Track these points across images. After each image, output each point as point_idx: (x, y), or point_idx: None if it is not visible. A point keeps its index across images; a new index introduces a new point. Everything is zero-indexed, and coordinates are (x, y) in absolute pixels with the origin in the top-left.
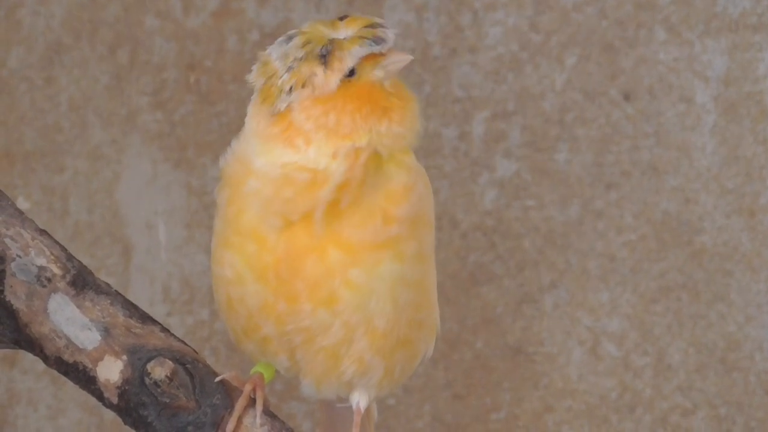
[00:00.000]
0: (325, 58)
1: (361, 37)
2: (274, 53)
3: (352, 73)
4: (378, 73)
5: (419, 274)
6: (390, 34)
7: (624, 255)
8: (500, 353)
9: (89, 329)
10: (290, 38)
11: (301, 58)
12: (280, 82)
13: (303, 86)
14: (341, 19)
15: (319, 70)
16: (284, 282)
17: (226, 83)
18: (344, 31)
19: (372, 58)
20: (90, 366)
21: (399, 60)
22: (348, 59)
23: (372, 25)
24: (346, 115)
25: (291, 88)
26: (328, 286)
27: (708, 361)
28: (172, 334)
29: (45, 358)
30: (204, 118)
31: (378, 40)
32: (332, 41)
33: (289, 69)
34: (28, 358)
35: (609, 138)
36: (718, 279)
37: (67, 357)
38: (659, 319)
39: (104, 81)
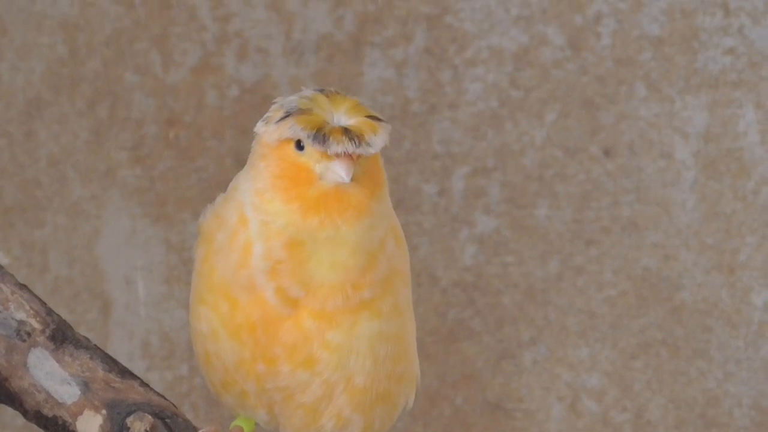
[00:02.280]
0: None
1: (350, 132)
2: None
3: (300, 145)
4: (318, 168)
5: (397, 328)
6: (378, 142)
7: (604, 311)
8: (480, 409)
9: (69, 384)
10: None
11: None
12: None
13: (266, 122)
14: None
15: (277, 115)
16: (261, 346)
17: (206, 139)
18: (341, 115)
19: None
20: (69, 420)
21: (337, 175)
22: (288, 131)
23: (371, 118)
24: (267, 174)
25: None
26: (306, 350)
27: (688, 417)
28: (152, 389)
29: (24, 413)
30: (183, 173)
31: (359, 145)
32: (322, 129)
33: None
34: (7, 413)
35: (589, 194)
36: (698, 335)
37: (46, 411)
38: (639, 375)
39: (84, 136)
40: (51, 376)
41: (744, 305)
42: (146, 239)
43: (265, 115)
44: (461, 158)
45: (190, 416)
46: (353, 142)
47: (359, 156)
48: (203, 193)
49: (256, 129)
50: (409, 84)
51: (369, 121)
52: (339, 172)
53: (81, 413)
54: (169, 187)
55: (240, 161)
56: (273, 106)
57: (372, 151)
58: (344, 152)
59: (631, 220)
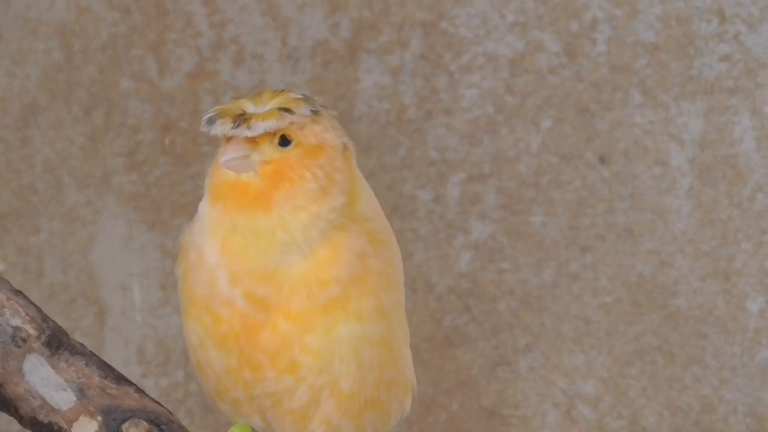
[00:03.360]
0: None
1: (233, 116)
2: None
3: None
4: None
5: (383, 332)
6: (261, 126)
7: (599, 318)
8: (475, 416)
9: (64, 390)
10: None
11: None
12: None
13: None
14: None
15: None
16: (245, 354)
17: (201, 145)
18: (262, 106)
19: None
20: (65, 426)
21: (224, 166)
22: (207, 116)
23: (285, 111)
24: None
25: None
26: (288, 355)
27: (683, 424)
28: (147, 395)
29: (20, 419)
30: (179, 179)
31: (239, 125)
32: (223, 113)
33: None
34: (3, 419)
35: (584, 201)
36: (693, 342)
37: (42, 417)
38: (634, 381)
39: (79, 142)
40: (46, 382)
41: (739, 312)
42: (142, 245)
43: None
44: (457, 164)
45: (185, 423)
46: (234, 124)
47: (256, 141)
48: (199, 200)
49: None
50: (405, 90)
51: (276, 110)
52: (225, 154)
53: (76, 419)
54: (164, 193)
55: None
56: None
57: (249, 133)
58: (221, 133)
59: (626, 227)
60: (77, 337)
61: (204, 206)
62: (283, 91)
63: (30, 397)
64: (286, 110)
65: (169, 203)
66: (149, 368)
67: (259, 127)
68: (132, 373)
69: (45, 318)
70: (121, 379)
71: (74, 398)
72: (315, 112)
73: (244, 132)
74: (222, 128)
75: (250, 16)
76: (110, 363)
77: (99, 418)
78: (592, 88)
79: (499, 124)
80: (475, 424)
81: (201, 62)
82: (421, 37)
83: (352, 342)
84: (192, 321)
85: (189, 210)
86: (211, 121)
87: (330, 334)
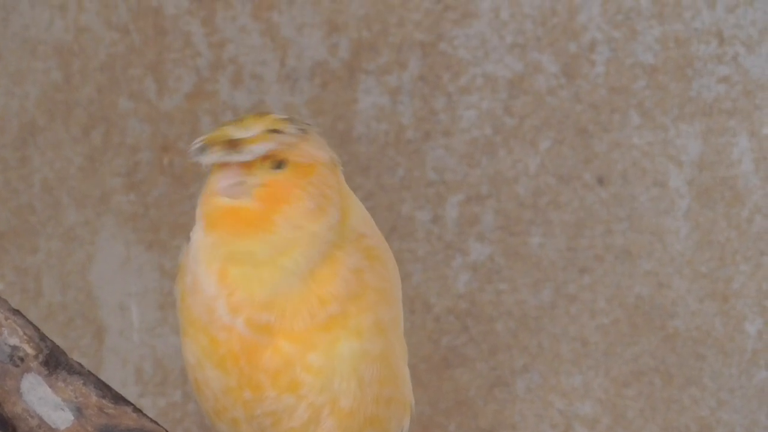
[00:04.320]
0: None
1: (222, 143)
2: None
3: None
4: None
5: (381, 348)
6: (255, 150)
7: (597, 339)
8: None
9: (62, 409)
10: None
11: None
12: None
13: None
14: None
15: None
16: (246, 374)
17: (200, 165)
18: (249, 130)
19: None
20: None
21: (220, 193)
22: (195, 146)
23: (275, 132)
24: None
25: None
26: (289, 374)
27: None
28: (145, 415)
29: None
30: (177, 199)
31: (231, 152)
32: (213, 140)
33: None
34: None
35: (582, 222)
36: (691, 363)
37: None
38: (632, 403)
39: (78, 162)
40: (44, 401)
41: (737, 333)
42: (140, 265)
43: None
44: (455, 185)
45: None
46: (225, 150)
47: (249, 166)
48: None
49: None
50: (404, 111)
51: (265, 133)
52: (217, 183)
53: None
54: (163, 213)
55: None
56: None
57: (241, 158)
58: (211, 161)
59: (624, 248)
60: (75, 356)
61: (197, 235)
62: (264, 113)
63: (28, 417)
64: (275, 131)
65: (167, 223)
66: (147, 388)
67: (252, 151)
68: (130, 392)
69: (43, 337)
70: (118, 399)
71: (72, 417)
72: (303, 131)
73: (237, 158)
74: (213, 157)
75: (248, 37)
76: (108, 383)
77: None
78: (591, 110)
79: (497, 145)
80: None
81: (200, 82)
82: (420, 58)
83: (353, 360)
84: (190, 340)
85: (187, 230)
86: (201, 151)
87: (332, 352)
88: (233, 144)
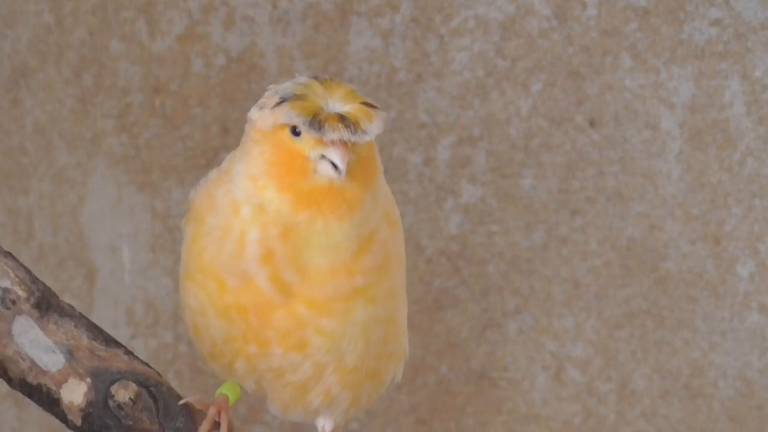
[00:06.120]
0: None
1: (347, 119)
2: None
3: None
4: (312, 155)
5: (391, 311)
6: (373, 129)
7: (588, 281)
8: (464, 378)
9: (53, 352)
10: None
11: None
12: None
13: (260, 108)
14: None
15: (272, 101)
16: (253, 329)
17: (191, 107)
18: (336, 101)
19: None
20: (54, 388)
21: (328, 168)
22: (283, 116)
23: (366, 105)
24: (261, 160)
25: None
26: (299, 335)
27: (672, 388)
28: (136, 357)
29: (9, 380)
30: (169, 141)
31: (354, 131)
32: (318, 116)
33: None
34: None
35: (574, 164)
36: (683, 305)
37: (30, 379)
38: (623, 345)
39: (69, 104)
40: (35, 344)
41: (729, 276)
42: (131, 207)
43: (259, 101)
44: (447, 128)
45: (174, 384)
46: (349, 129)
47: (354, 143)
48: (189, 161)
49: (250, 115)
50: (396, 53)
51: (364, 107)
52: (334, 158)
53: (65, 381)
54: (154, 154)
55: (226, 129)
56: (267, 93)
57: (367, 138)
58: (339, 139)
59: (616, 190)
60: (66, 298)
61: (252, 182)
62: (330, 80)
63: (19, 359)
64: (367, 104)
65: (158, 165)
66: (138, 329)
67: (373, 131)
68: (121, 334)
69: (34, 280)
70: (110, 341)
71: (63, 360)
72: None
73: (363, 138)
74: (337, 134)
75: None
76: (99, 324)
77: (88, 380)
78: (583, 52)
79: (489, 87)
80: (464, 386)
81: (191, 24)
82: (412, 1)
83: (364, 324)
84: (195, 286)
85: (179, 172)
86: (317, 126)
87: (346, 317)
88: (351, 122)
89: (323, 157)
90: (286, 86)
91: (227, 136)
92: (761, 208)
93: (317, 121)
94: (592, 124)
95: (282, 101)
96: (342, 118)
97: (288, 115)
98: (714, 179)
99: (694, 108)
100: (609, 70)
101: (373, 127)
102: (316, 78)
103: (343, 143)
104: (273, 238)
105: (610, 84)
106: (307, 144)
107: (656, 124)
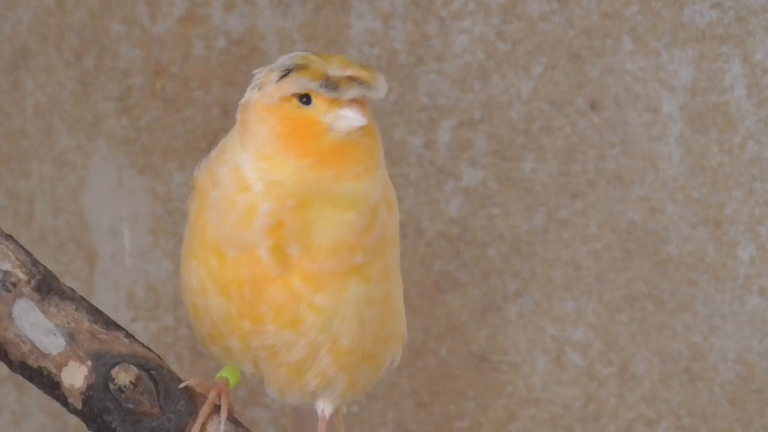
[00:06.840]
0: (288, 72)
1: (356, 79)
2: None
3: (308, 100)
4: (327, 118)
5: (384, 291)
6: (383, 86)
7: (589, 264)
8: (464, 361)
9: (54, 334)
10: (292, 58)
11: (279, 69)
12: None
13: (260, 89)
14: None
15: (272, 77)
16: (248, 303)
17: (192, 89)
18: (335, 68)
19: (335, 101)
20: (54, 371)
21: (352, 119)
22: (293, 86)
23: (366, 70)
24: (273, 137)
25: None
26: (292, 310)
27: (672, 371)
28: (137, 340)
29: (9, 363)
30: (170, 124)
31: (370, 87)
32: (330, 78)
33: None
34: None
35: (575, 147)
36: (684, 289)
37: (31, 362)
38: (624, 328)
39: (70, 86)
40: (36, 326)
41: (730, 259)
42: (132, 189)
43: (254, 83)
44: (447, 110)
45: (175, 367)
46: (363, 86)
47: (366, 103)
48: (189, 144)
49: (247, 97)
50: (396, 36)
51: (366, 68)
52: (353, 116)
53: (66, 364)
54: (155, 137)
55: (226, 112)
56: (260, 73)
57: (380, 94)
58: (357, 96)
59: (616, 174)
60: (67, 281)
61: (267, 162)
62: (319, 51)
63: (19, 342)
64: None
65: (159, 147)
66: (139, 312)
67: (383, 88)
68: (121, 317)
69: (35, 262)
70: (110, 324)
71: (64, 343)
72: None
73: (378, 94)
74: (354, 92)
75: None
76: (100, 307)
77: (89, 363)
78: (584, 35)
79: (490, 70)
80: (464, 369)
81: (192, 7)
82: None
83: (357, 303)
84: (196, 262)
85: (180, 154)
86: (333, 86)
87: (340, 295)
88: (361, 81)
89: (340, 117)
90: (283, 60)
91: (228, 119)
92: (762, 191)
93: (332, 82)
94: (592, 107)
95: (287, 73)
96: (352, 79)
97: (299, 83)
98: (715, 162)
99: (694, 91)
100: (610, 53)
101: (383, 83)
102: (306, 51)
103: (358, 102)
104: (286, 211)
105: (610, 67)
106: (319, 110)
107: (657, 107)
